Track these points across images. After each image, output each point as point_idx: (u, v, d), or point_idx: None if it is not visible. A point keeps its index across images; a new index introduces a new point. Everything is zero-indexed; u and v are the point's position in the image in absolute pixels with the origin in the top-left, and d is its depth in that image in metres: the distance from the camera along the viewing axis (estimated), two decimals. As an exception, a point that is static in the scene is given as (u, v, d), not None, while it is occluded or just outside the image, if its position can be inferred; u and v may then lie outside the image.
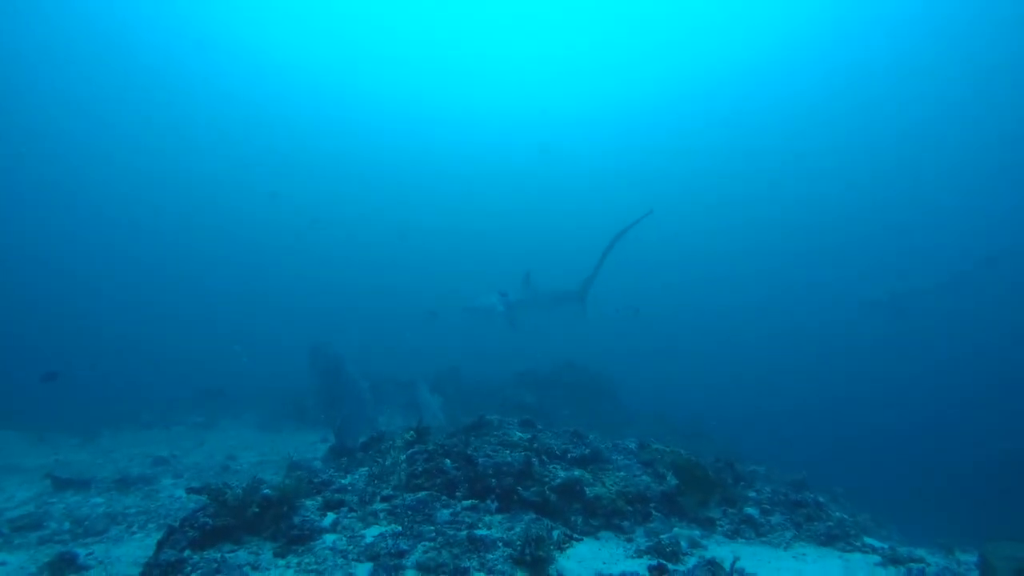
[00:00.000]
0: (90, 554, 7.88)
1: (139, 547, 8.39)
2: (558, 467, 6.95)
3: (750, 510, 7.05)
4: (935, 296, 37.75)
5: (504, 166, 76.45)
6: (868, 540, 6.59)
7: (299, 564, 5.06)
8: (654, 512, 6.61)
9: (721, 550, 5.93)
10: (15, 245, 57.93)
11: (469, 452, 6.74)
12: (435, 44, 72.47)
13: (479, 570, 4.87)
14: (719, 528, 6.71)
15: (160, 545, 5.53)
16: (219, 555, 5.13)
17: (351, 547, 5.30)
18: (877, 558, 6.00)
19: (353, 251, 63.97)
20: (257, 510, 5.60)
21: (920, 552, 6.19)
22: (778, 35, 65.59)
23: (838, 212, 64.95)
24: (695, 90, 73.75)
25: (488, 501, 6.14)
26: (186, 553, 5.15)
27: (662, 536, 5.96)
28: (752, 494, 7.63)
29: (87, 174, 66.49)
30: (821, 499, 7.57)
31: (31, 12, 54.51)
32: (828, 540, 6.48)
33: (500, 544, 5.22)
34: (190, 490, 6.29)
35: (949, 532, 8.38)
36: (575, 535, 5.97)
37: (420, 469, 6.62)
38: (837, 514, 7.21)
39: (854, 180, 66.98)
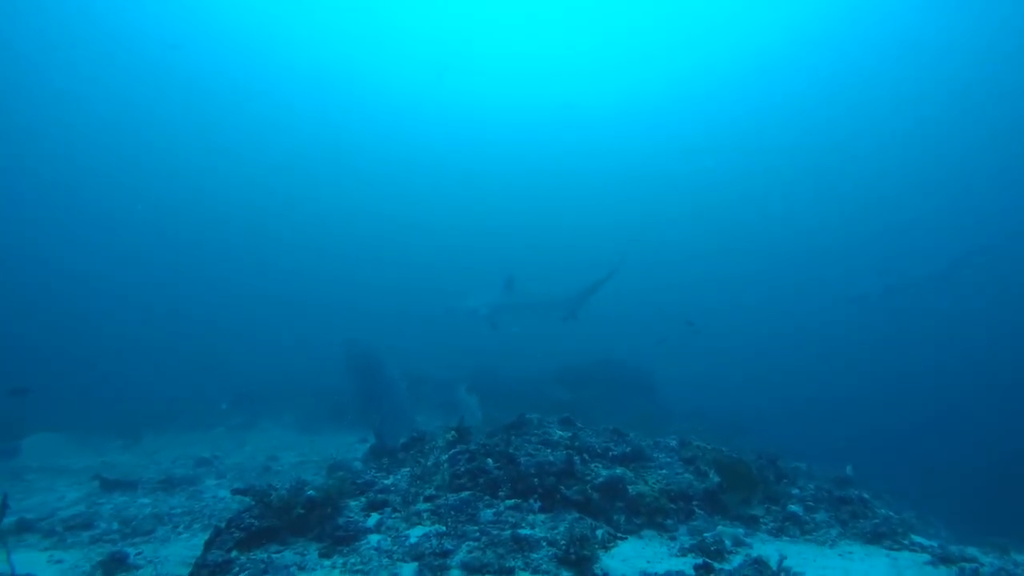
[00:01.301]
0: (139, 554, 8.05)
1: (185, 547, 8.55)
2: (600, 465, 6.95)
3: (794, 507, 6.99)
4: (929, 287, 37.92)
5: (525, 163, 76.56)
6: (916, 538, 6.48)
7: (344, 564, 5.10)
8: (697, 510, 6.58)
9: (766, 548, 5.88)
10: (50, 251, 59.13)
11: (511, 451, 6.76)
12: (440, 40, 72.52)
13: (524, 570, 4.88)
14: (763, 526, 6.66)
15: (207, 546, 5.62)
16: (265, 556, 5.21)
17: (396, 547, 5.33)
18: (927, 556, 5.89)
19: (388, 251, 64.41)
20: (302, 511, 5.66)
21: (972, 551, 6.07)
22: (777, 34, 65.03)
23: (844, 210, 64.61)
24: (694, 90, 73.51)
25: (531, 500, 6.15)
26: (233, 554, 5.24)
27: (706, 534, 5.93)
28: (795, 491, 7.56)
29: (116, 178, 67.57)
30: (866, 496, 7.47)
31: (34, 8, 55.07)
32: (874, 538, 6.39)
33: (544, 543, 5.23)
34: (235, 491, 6.39)
35: (1003, 531, 8.19)
36: (619, 534, 5.96)
37: (463, 469, 6.65)
38: (883, 511, 7.12)
39: (862, 177, 66.47)
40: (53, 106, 62.26)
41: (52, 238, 60.84)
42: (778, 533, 6.51)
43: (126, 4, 58.34)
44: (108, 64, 62.38)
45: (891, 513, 7.23)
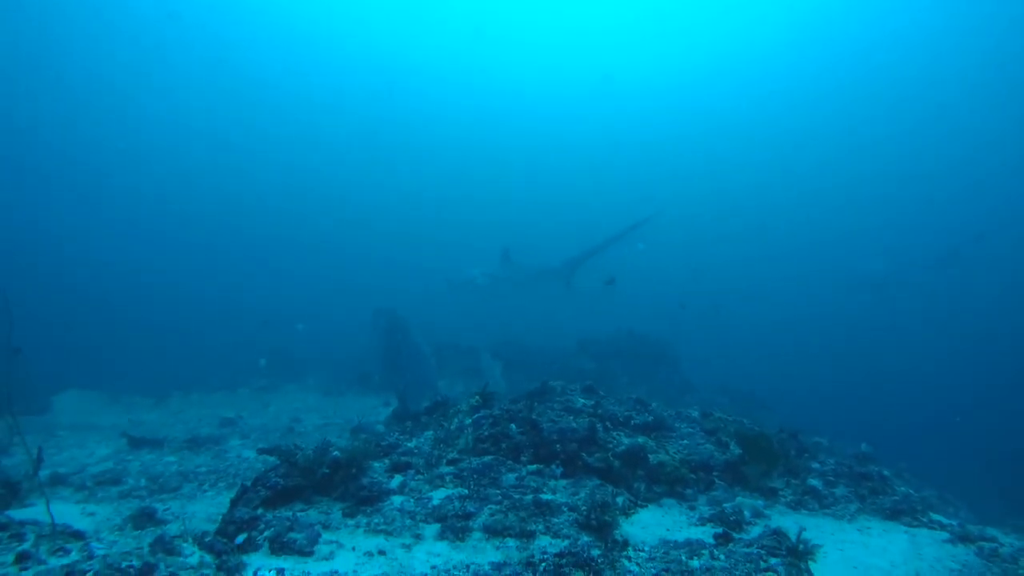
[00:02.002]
0: (167, 509, 8.25)
1: (211, 504, 8.73)
2: (622, 434, 7.01)
3: (813, 481, 7.01)
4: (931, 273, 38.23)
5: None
6: (935, 516, 6.49)
7: (368, 524, 5.21)
8: (717, 481, 6.64)
9: (785, 520, 5.93)
10: (93, 225, 59.98)
11: (534, 417, 6.83)
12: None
13: (545, 533, 4.95)
14: (782, 498, 6.69)
15: (234, 503, 5.76)
16: (291, 514, 5.32)
17: (419, 508, 5.42)
18: (945, 535, 5.91)
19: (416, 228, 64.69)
20: (327, 471, 5.78)
21: (992, 531, 6.07)
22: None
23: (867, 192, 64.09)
24: (696, 81, 72.79)
25: (553, 466, 6.23)
26: (259, 511, 5.37)
27: (725, 505, 5.99)
28: (816, 466, 7.57)
29: (155, 163, 68.17)
30: (886, 473, 7.48)
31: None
32: (893, 514, 6.41)
33: (565, 508, 5.30)
34: (261, 451, 6.51)
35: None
36: (639, 502, 6.03)
37: (486, 433, 6.73)
38: (902, 489, 7.12)
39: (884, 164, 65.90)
40: (88, 92, 62.78)
41: (96, 214, 61.66)
42: (797, 506, 6.55)
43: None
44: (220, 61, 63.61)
45: (911, 491, 7.21)
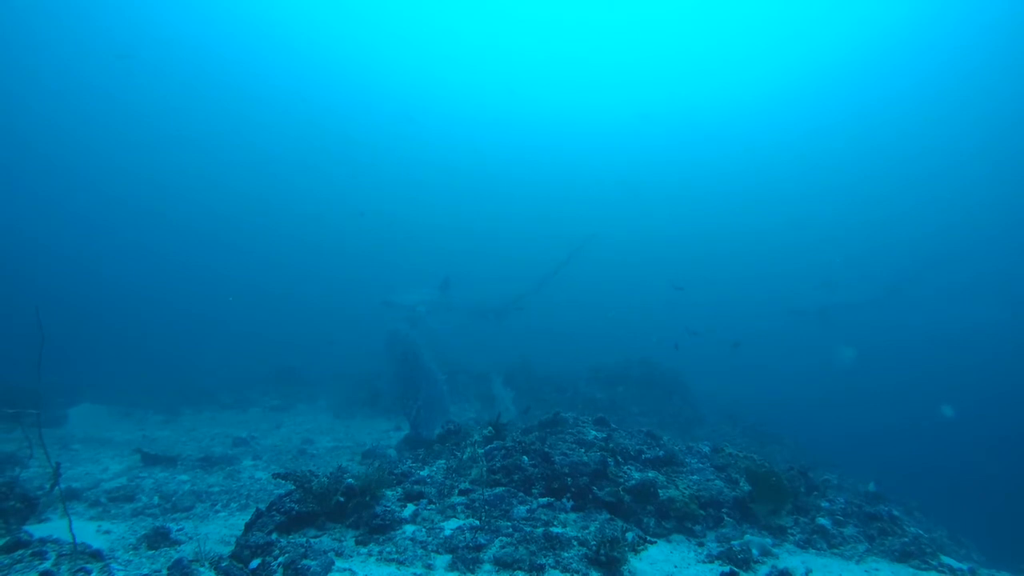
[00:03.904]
0: (180, 530, 8.34)
1: (224, 525, 8.82)
2: (633, 468, 7.06)
3: (823, 520, 7.03)
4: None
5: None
6: (946, 559, 6.47)
7: (380, 553, 5.29)
8: (726, 517, 6.67)
9: (792, 560, 5.96)
10: (100, 235, 60.55)
11: (546, 450, 6.90)
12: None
13: (555, 568, 5.02)
14: (791, 537, 6.70)
15: (249, 527, 5.85)
16: (304, 540, 5.41)
17: (430, 538, 5.50)
18: (955, 580, 5.93)
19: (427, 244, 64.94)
20: (341, 498, 5.87)
21: (1004, 576, 6.07)
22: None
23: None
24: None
25: (564, 499, 6.29)
26: (273, 536, 5.46)
27: (733, 542, 6.02)
28: (825, 504, 7.58)
29: (173, 169, 68.90)
30: (896, 512, 7.47)
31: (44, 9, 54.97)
32: (903, 556, 6.40)
33: (576, 543, 5.37)
34: (276, 475, 6.60)
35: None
36: (648, 537, 6.07)
37: (498, 465, 6.81)
38: (912, 529, 7.11)
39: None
40: (94, 99, 63.27)
41: (110, 226, 62.29)
42: (805, 545, 6.55)
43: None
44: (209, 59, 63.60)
45: (921, 532, 7.20)
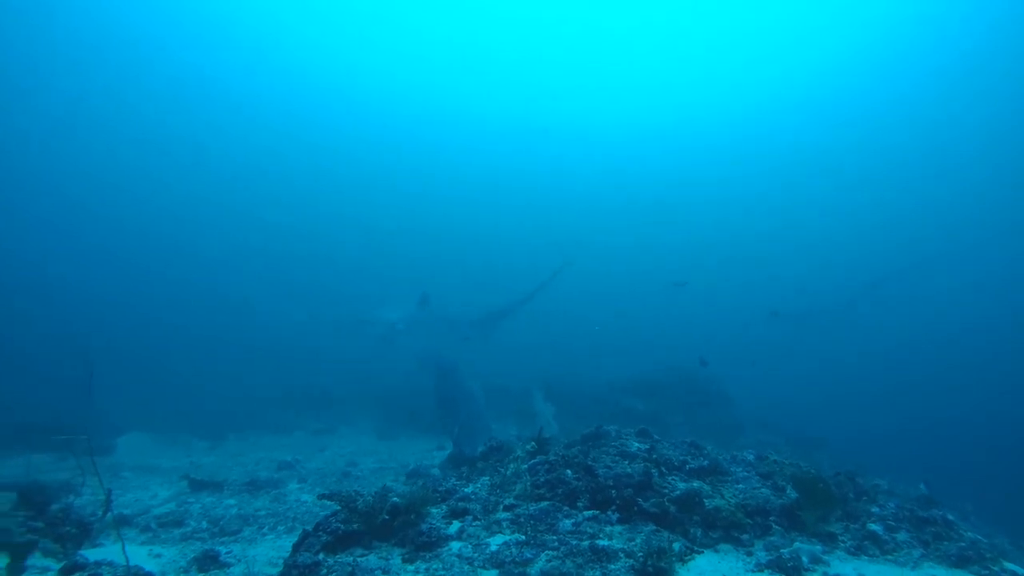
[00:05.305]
0: (229, 552, 8.48)
1: (271, 548, 8.96)
2: (677, 479, 7.01)
3: (873, 526, 6.87)
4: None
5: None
6: (1009, 566, 6.26)
7: (427, 570, 5.30)
8: (774, 525, 6.57)
9: (844, 567, 5.85)
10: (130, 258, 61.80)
11: (589, 463, 6.88)
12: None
13: (602, 580, 4.99)
14: (841, 544, 6.57)
15: (296, 547, 5.91)
16: (351, 559, 5.45)
17: (476, 554, 5.50)
18: (1021, 585, 5.75)
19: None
20: (387, 517, 5.90)
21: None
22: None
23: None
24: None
25: (609, 512, 6.26)
26: (321, 556, 5.50)
27: (783, 550, 5.93)
28: (875, 509, 7.41)
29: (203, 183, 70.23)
30: (950, 517, 7.27)
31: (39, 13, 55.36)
32: (960, 562, 6.21)
33: (622, 555, 5.33)
34: (321, 496, 6.67)
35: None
36: (695, 547, 6.01)
37: (542, 479, 6.80)
38: (969, 534, 6.90)
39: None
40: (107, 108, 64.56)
41: (152, 260, 63.45)
42: (857, 551, 6.41)
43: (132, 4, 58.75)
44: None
45: (979, 537, 6.98)
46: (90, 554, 6.63)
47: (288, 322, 48.14)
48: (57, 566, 6.03)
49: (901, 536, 6.75)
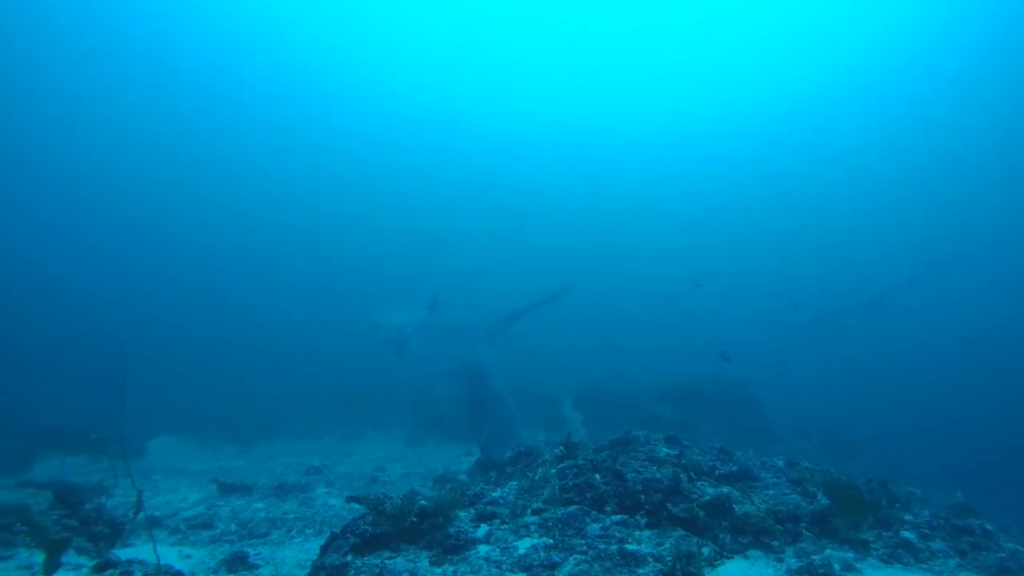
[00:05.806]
0: (257, 554, 8.55)
1: (299, 550, 9.01)
2: (706, 484, 6.95)
3: (907, 534, 6.74)
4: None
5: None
6: (1054, 579, 6.13)
7: (455, 573, 5.30)
8: (805, 532, 6.48)
9: (877, 575, 5.76)
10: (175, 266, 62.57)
11: (618, 467, 6.85)
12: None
13: (631, 584, 4.96)
14: (873, 552, 6.44)
15: (324, 549, 5.93)
16: (379, 561, 5.45)
17: (504, 558, 5.48)
18: (1069, 598, 5.60)
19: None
20: (415, 520, 5.91)
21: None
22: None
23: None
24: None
25: (637, 516, 6.22)
26: (348, 558, 5.51)
27: (814, 557, 5.85)
28: (909, 517, 7.28)
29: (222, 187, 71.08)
30: (989, 527, 7.12)
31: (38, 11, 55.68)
32: (1000, 573, 6.04)
33: (651, 559, 5.29)
34: (350, 499, 6.70)
35: None
36: (725, 552, 5.96)
37: (570, 484, 6.78)
38: (1009, 545, 6.74)
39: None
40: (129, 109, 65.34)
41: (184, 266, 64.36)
42: (890, 560, 6.29)
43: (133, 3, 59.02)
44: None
45: (1021, 548, 6.83)
46: (122, 553, 6.72)
47: (313, 328, 48.57)
48: (90, 563, 6.14)
49: (936, 545, 6.61)
